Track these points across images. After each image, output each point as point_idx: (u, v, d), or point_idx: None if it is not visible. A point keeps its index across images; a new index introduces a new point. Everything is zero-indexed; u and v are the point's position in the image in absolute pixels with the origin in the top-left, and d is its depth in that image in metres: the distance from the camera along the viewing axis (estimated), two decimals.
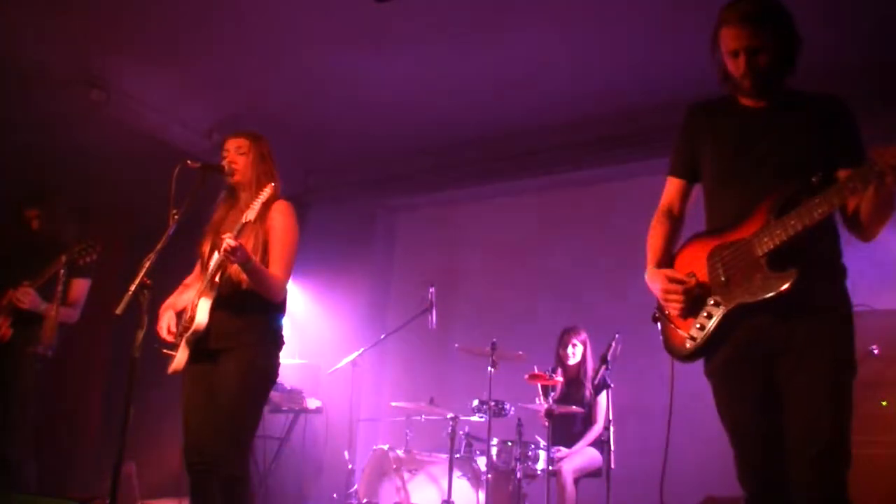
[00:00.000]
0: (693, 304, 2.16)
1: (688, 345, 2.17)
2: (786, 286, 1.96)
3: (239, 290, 2.84)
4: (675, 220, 2.37)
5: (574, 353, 4.87)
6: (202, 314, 2.80)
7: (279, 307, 2.93)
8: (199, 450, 2.78)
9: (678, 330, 2.20)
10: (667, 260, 2.30)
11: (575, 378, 4.84)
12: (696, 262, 2.18)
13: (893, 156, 1.81)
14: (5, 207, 4.51)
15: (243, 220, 2.80)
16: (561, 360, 4.89)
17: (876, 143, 1.89)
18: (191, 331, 2.79)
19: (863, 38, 4.29)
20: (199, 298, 2.84)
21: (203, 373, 2.85)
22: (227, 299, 2.84)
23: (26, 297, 3.82)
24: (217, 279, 2.85)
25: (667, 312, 2.24)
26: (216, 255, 2.80)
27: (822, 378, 1.98)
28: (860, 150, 2.07)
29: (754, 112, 2.21)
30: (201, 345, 2.84)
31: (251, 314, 2.84)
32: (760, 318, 2.06)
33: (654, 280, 2.25)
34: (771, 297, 1.99)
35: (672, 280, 2.18)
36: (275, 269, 2.86)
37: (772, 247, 2.00)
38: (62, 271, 3.80)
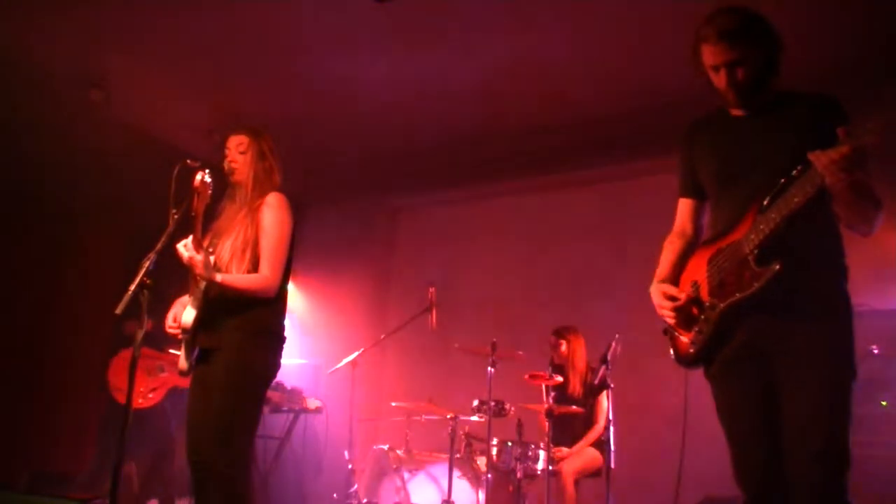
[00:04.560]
0: (689, 316, 2.22)
1: (690, 350, 2.22)
2: (767, 278, 1.99)
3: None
4: (688, 240, 2.41)
5: (557, 354, 4.91)
6: (187, 315, 2.82)
7: (272, 304, 2.88)
8: (196, 449, 2.79)
9: (681, 337, 2.25)
10: (672, 276, 2.33)
11: (565, 377, 4.85)
12: (699, 270, 2.23)
13: (829, 157, 1.84)
14: (5, 206, 4.56)
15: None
16: (550, 359, 4.92)
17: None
18: (179, 331, 2.83)
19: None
20: (189, 298, 2.87)
21: (201, 373, 2.86)
22: (216, 299, 2.83)
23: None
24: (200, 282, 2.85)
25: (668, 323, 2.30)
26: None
27: (819, 379, 1.98)
28: None
29: (742, 120, 2.24)
30: (195, 345, 2.85)
31: (239, 313, 2.81)
32: (757, 319, 2.07)
33: (653, 294, 2.32)
34: (755, 292, 2.01)
35: (666, 296, 2.25)
36: (263, 266, 2.84)
37: (756, 242, 2.03)
38: None
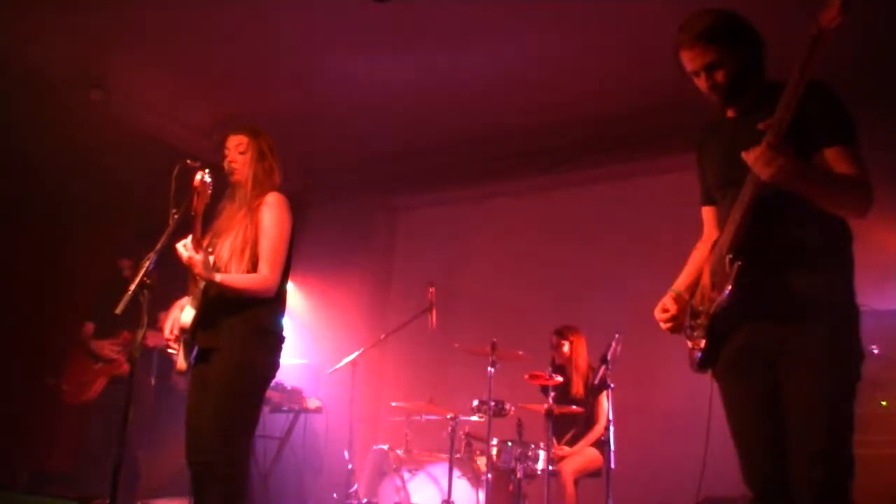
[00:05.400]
0: (696, 323, 2.24)
1: (696, 355, 2.23)
2: (733, 277, 2.01)
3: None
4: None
5: (559, 354, 4.91)
6: (186, 314, 2.83)
7: (271, 303, 2.89)
8: (196, 448, 2.79)
9: (689, 344, 2.28)
10: (689, 283, 2.35)
11: (569, 377, 4.86)
12: (705, 276, 2.24)
13: (754, 154, 1.91)
14: (6, 206, 4.60)
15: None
16: (551, 360, 4.93)
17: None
18: (178, 329, 2.84)
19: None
20: (189, 298, 2.88)
21: (200, 373, 2.86)
22: (215, 299, 2.83)
23: (154, 338, 4.65)
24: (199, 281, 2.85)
25: (689, 331, 2.31)
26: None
27: (819, 380, 1.97)
28: (835, 131, 2.04)
29: (734, 122, 2.24)
30: (193, 344, 2.86)
31: (238, 313, 2.82)
32: (753, 320, 2.08)
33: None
34: (729, 293, 2.03)
35: (662, 308, 2.31)
36: (262, 266, 2.85)
37: (728, 243, 2.06)
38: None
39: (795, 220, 2.03)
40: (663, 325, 2.32)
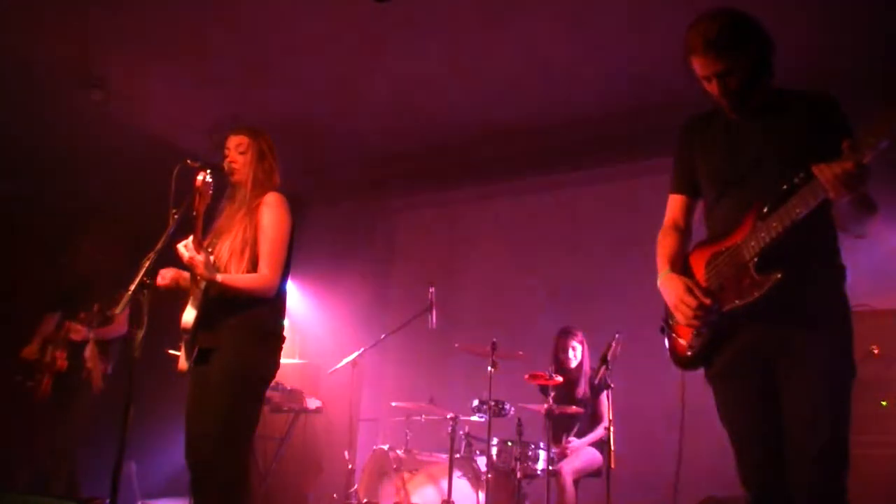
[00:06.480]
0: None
1: (688, 353, 2.22)
2: (768, 287, 1.99)
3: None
4: (682, 232, 2.38)
5: (575, 356, 4.89)
6: (188, 314, 2.82)
7: (270, 304, 2.89)
8: (196, 449, 2.79)
9: (679, 339, 2.24)
10: (679, 266, 2.28)
11: (575, 378, 4.85)
12: (698, 272, 2.22)
13: (832, 171, 1.82)
14: (5, 206, 4.61)
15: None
16: (561, 362, 4.90)
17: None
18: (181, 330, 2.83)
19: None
20: (190, 298, 2.87)
21: (200, 374, 2.86)
22: (215, 299, 2.83)
23: (77, 332, 4.73)
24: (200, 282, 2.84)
25: (671, 322, 2.27)
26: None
27: (819, 380, 1.98)
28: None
29: (742, 122, 2.22)
30: (193, 345, 2.85)
31: (238, 313, 2.82)
32: (757, 322, 2.07)
33: (671, 285, 2.21)
34: (756, 300, 2.01)
35: (690, 292, 2.13)
36: (262, 266, 2.85)
37: (757, 250, 2.02)
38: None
39: (806, 229, 2.01)
40: (686, 311, 2.11)
